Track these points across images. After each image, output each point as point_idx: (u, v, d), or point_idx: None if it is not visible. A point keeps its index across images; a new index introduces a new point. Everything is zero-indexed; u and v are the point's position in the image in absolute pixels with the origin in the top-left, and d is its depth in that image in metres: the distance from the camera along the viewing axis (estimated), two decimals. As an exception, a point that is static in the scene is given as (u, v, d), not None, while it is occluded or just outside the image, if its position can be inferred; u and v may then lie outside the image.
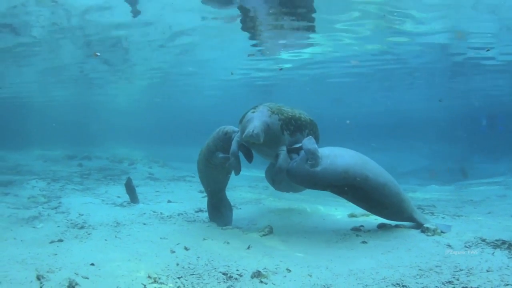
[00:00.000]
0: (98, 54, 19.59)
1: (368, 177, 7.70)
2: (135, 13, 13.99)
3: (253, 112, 8.22)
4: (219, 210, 9.69)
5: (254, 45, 18.07)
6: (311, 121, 8.93)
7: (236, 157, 8.52)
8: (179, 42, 18.17)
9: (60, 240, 7.74)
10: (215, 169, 9.21)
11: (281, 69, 24.48)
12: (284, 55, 21.50)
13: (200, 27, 16.01)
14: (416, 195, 14.66)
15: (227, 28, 15.74)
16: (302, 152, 7.95)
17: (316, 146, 7.88)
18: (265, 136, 7.94)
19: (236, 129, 8.73)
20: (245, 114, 8.42)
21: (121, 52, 20.14)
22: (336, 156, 7.83)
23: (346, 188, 7.80)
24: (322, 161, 7.76)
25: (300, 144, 8.08)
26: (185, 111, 57.40)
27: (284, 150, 8.15)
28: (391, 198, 7.95)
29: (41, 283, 5.40)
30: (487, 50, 19.52)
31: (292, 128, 8.29)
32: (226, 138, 8.82)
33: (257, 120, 7.97)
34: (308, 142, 7.90)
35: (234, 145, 8.48)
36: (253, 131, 7.73)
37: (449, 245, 7.00)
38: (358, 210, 8.98)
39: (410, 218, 8.23)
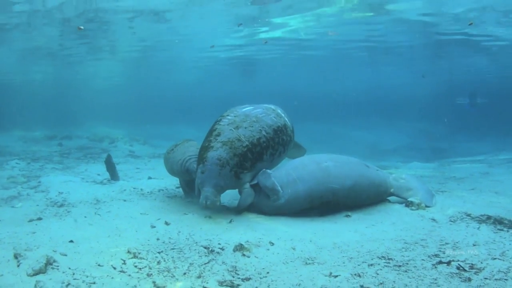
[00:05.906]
0: (82, 27, 19.20)
1: (334, 189, 7.67)
2: None
3: (202, 172, 7.78)
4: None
5: None
6: (276, 130, 8.48)
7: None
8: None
9: (39, 219, 7.59)
10: None
11: (266, 42, 24.18)
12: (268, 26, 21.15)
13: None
14: (398, 172, 14.64)
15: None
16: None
17: (273, 180, 7.71)
18: (223, 189, 7.82)
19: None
20: (198, 163, 8.09)
21: (100, 25, 19.72)
22: (297, 181, 7.67)
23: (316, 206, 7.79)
24: (284, 192, 7.64)
25: (257, 182, 7.90)
26: (166, 89, 56.96)
27: (247, 187, 7.96)
28: (365, 192, 8.00)
29: (18, 261, 5.28)
30: (470, 24, 19.50)
31: (249, 163, 7.93)
32: (187, 174, 8.84)
33: (207, 186, 7.63)
34: (264, 179, 7.77)
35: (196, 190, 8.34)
36: (206, 202, 7.45)
37: (433, 219, 7.01)
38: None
39: (392, 195, 8.35)
